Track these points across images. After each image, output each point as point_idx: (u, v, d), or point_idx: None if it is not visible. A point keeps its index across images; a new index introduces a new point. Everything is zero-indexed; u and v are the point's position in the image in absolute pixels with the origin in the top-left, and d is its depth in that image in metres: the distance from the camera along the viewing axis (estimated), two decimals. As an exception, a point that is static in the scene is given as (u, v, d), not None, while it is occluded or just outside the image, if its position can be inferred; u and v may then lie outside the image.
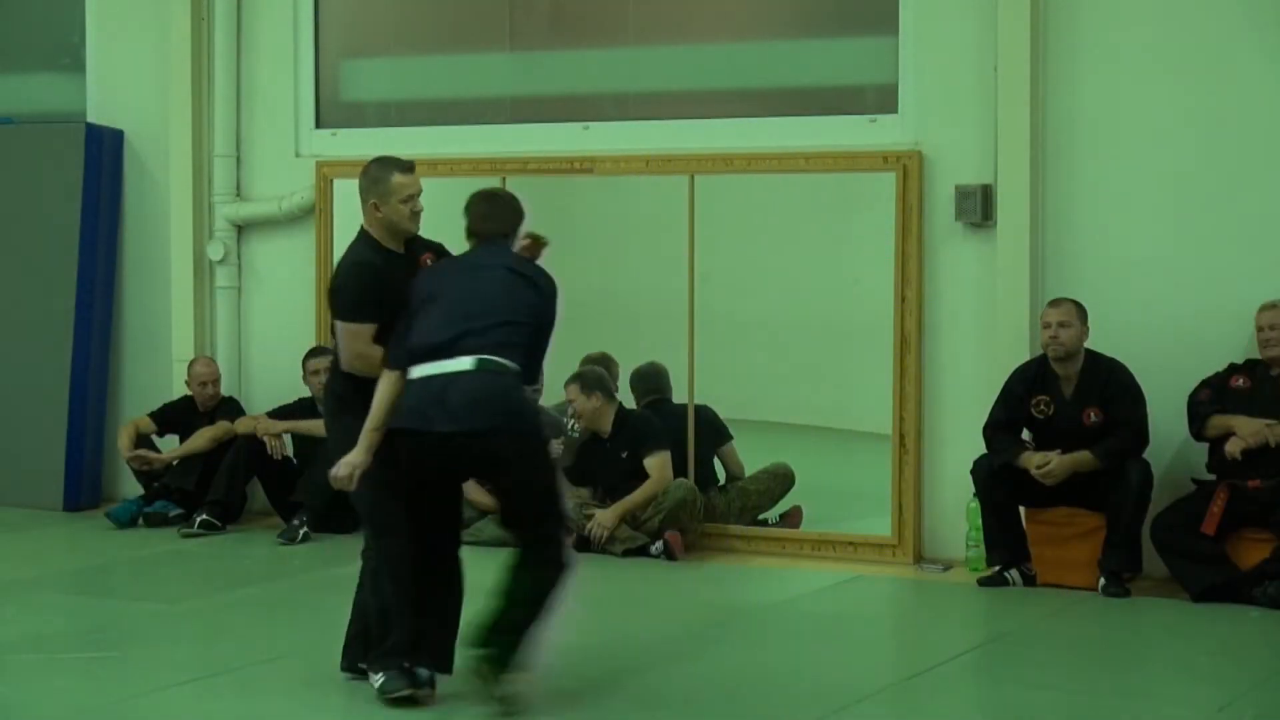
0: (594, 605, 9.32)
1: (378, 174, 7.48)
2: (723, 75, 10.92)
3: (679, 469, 10.58)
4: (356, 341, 7.25)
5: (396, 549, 7.02)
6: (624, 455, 10.56)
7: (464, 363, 6.78)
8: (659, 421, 10.70)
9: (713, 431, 10.90)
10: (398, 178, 7.40)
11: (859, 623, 9.05)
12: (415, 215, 7.42)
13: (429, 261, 7.45)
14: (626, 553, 10.26)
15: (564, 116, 11.17)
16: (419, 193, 7.47)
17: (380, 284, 7.31)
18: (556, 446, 6.96)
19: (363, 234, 7.53)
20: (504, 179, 11.10)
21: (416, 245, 7.56)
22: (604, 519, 10.30)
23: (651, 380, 11.04)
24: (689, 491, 10.36)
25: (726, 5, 11.05)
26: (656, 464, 10.47)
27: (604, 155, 10.95)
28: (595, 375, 10.68)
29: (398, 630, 7.01)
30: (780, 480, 10.83)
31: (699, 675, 7.59)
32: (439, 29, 11.68)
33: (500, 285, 7.01)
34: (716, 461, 10.95)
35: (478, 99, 11.51)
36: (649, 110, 11.03)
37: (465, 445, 6.77)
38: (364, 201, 7.48)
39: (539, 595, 6.87)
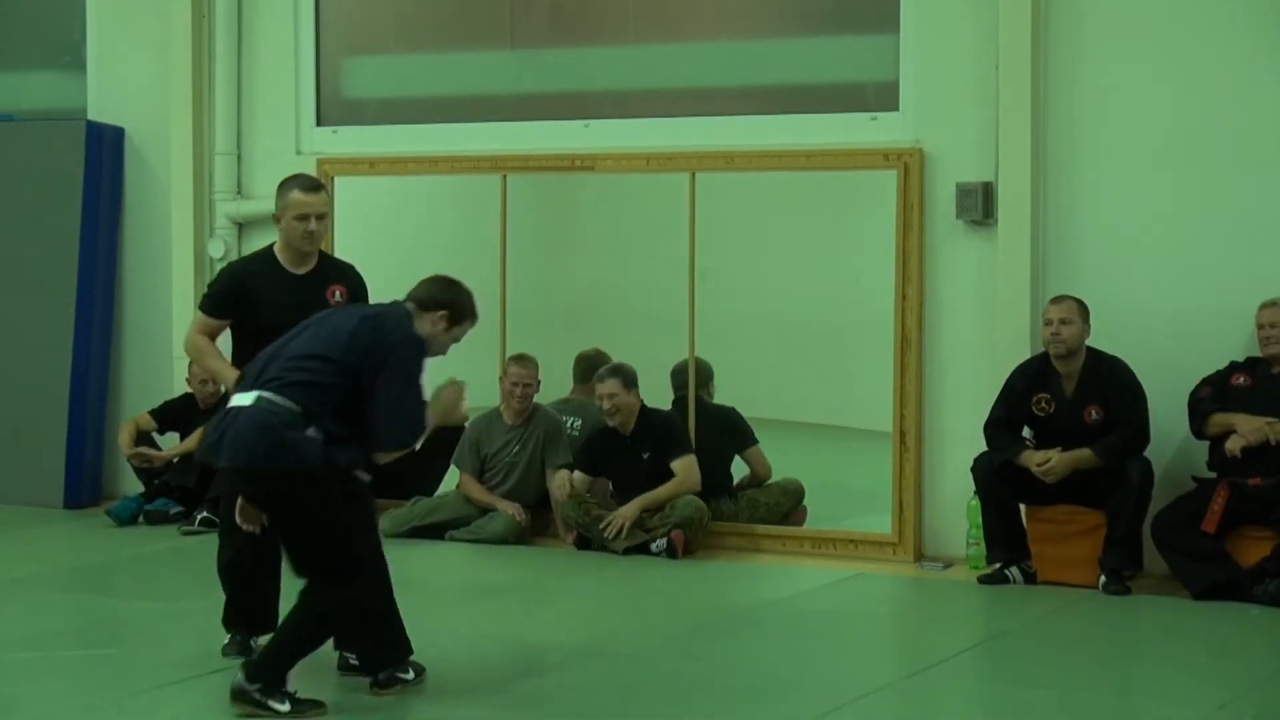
0: (595, 601, 9.35)
1: (282, 188, 7.70)
2: (723, 73, 10.92)
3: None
4: (192, 327, 7.82)
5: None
6: (645, 456, 10.49)
7: (247, 398, 6.73)
8: (682, 422, 10.63)
9: (736, 435, 10.85)
10: (296, 194, 7.59)
11: (860, 620, 9.04)
12: (309, 235, 7.54)
13: (337, 295, 7.59)
14: (628, 550, 10.25)
15: (565, 114, 11.17)
16: (316, 214, 7.56)
17: (237, 288, 7.66)
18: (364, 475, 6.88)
19: (272, 244, 7.80)
20: (504, 176, 11.11)
21: (330, 272, 7.69)
22: (626, 512, 10.25)
23: (693, 375, 10.93)
24: (697, 510, 10.30)
25: (727, 3, 11.05)
26: (684, 465, 10.41)
27: (604, 153, 10.94)
28: (631, 371, 10.59)
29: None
30: (790, 495, 10.78)
31: (699, 672, 7.58)
32: (440, 26, 11.68)
33: (333, 324, 6.84)
34: (734, 464, 10.91)
35: (478, 96, 11.51)
36: (650, 108, 11.02)
37: (242, 478, 6.84)
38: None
39: (300, 628, 6.79)
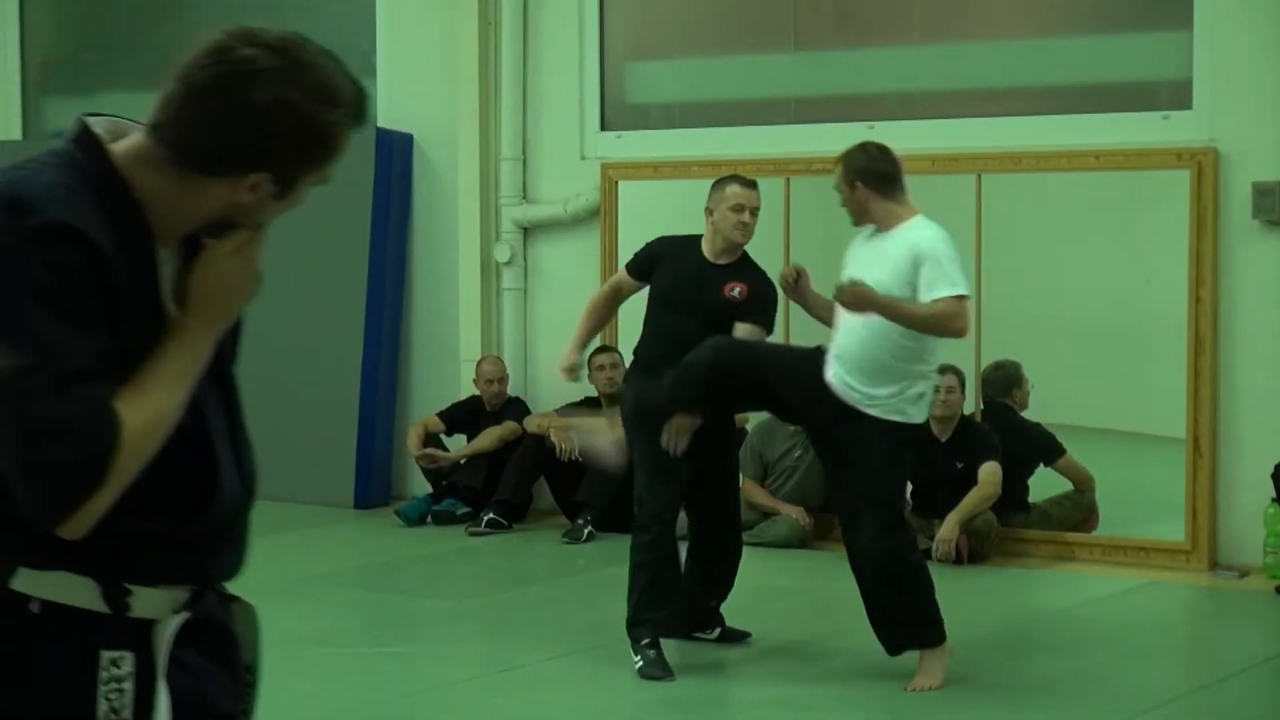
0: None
1: (719, 183, 8.05)
2: (1009, 73, 10.78)
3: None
4: (607, 281, 8.83)
5: None
6: (960, 466, 10.33)
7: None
8: (997, 437, 10.44)
9: (1041, 448, 10.65)
10: (734, 187, 8.13)
11: (1151, 630, 8.86)
12: (741, 226, 7.88)
13: (735, 291, 7.92)
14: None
15: (848, 116, 11.10)
16: (751, 208, 7.89)
17: (656, 254, 8.20)
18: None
19: (701, 234, 8.17)
20: (788, 180, 11.08)
21: (743, 271, 8.04)
22: (947, 534, 10.09)
23: (998, 383, 10.79)
24: (986, 523, 10.16)
25: (1013, 2, 10.91)
26: (990, 471, 10.24)
27: (889, 155, 10.84)
28: (962, 373, 10.48)
29: None
30: (1083, 509, 10.59)
31: (990, 680, 7.50)
32: (723, 30, 11.69)
33: None
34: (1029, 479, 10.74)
35: (762, 100, 11.50)
36: (935, 109, 10.92)
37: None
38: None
39: None
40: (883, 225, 7.40)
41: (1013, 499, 10.43)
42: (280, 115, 2.70)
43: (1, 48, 14.11)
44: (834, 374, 7.23)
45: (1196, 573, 9.90)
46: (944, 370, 10.34)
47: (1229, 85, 9.98)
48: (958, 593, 9.48)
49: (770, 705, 7.23)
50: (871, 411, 7.13)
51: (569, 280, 11.94)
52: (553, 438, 11.19)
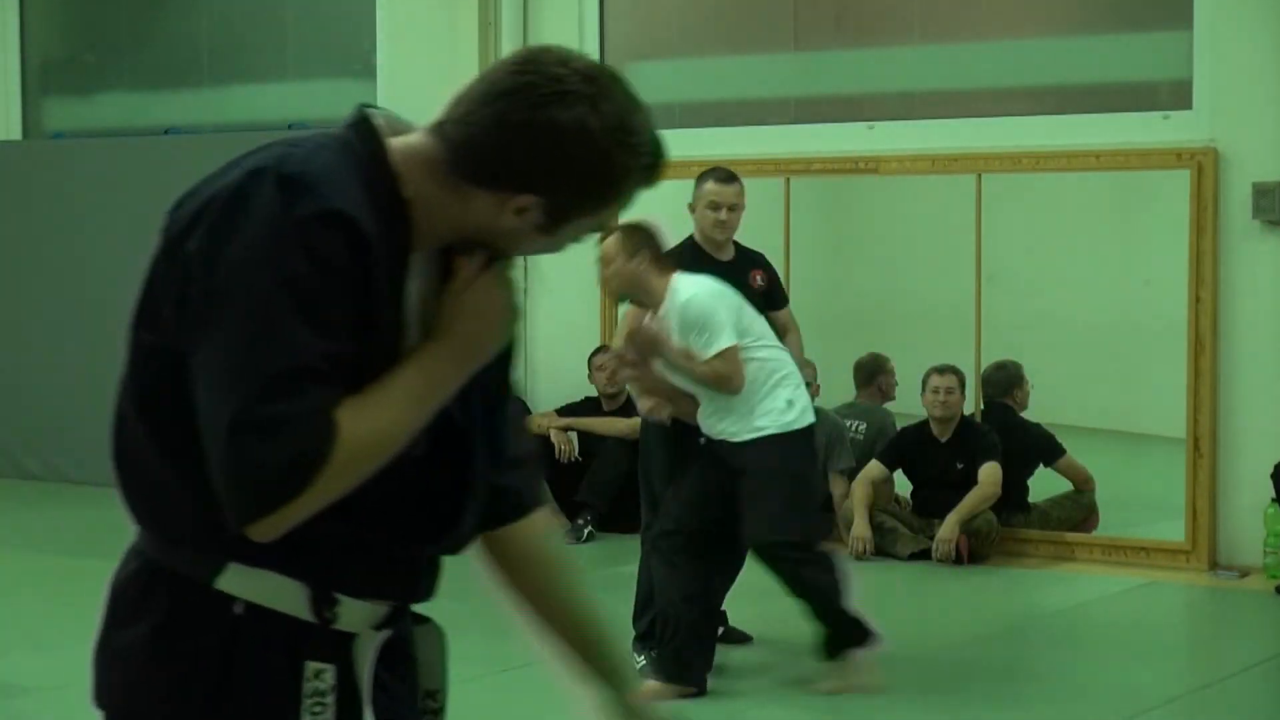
0: (883, 606, 9.27)
1: (699, 179, 8.03)
2: (1010, 72, 10.78)
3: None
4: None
5: None
6: (960, 466, 10.32)
7: None
8: (997, 437, 10.43)
9: (1043, 448, 10.66)
10: (710, 185, 8.12)
11: (1151, 630, 8.87)
12: (719, 224, 7.82)
13: (758, 280, 7.84)
14: (912, 556, 10.16)
15: (848, 117, 11.11)
16: (728, 205, 7.83)
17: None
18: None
19: (690, 235, 8.10)
20: (787, 180, 11.09)
21: (752, 258, 7.96)
22: (947, 534, 10.09)
23: (998, 384, 10.80)
24: (986, 522, 10.16)
25: (1014, 2, 10.91)
26: (990, 471, 10.24)
27: (889, 155, 10.86)
28: (962, 373, 10.47)
29: None
30: (1083, 509, 10.60)
31: (989, 679, 7.50)
32: (723, 30, 11.70)
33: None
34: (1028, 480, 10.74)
35: (762, 100, 11.50)
36: (935, 109, 10.92)
37: None
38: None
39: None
40: (658, 300, 7.28)
41: (1013, 499, 10.43)
42: (573, 139, 2.51)
43: (1, 48, 14.12)
44: (711, 431, 7.20)
45: (1196, 573, 9.90)
46: (944, 370, 10.36)
47: (1229, 85, 9.98)
48: (958, 593, 9.51)
49: (770, 705, 7.23)
50: (757, 436, 7.10)
51: (569, 279, 11.93)
52: (553, 438, 11.19)
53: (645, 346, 7.11)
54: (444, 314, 2.58)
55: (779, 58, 11.42)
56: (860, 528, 10.18)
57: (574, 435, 11.35)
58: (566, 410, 11.43)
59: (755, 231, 8.25)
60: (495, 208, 2.55)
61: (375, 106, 2.67)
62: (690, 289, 7.19)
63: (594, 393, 11.35)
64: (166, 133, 13.10)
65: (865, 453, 10.74)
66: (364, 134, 2.59)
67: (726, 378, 7.05)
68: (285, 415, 2.36)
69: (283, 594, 2.55)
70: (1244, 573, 9.79)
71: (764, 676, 7.56)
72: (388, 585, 2.68)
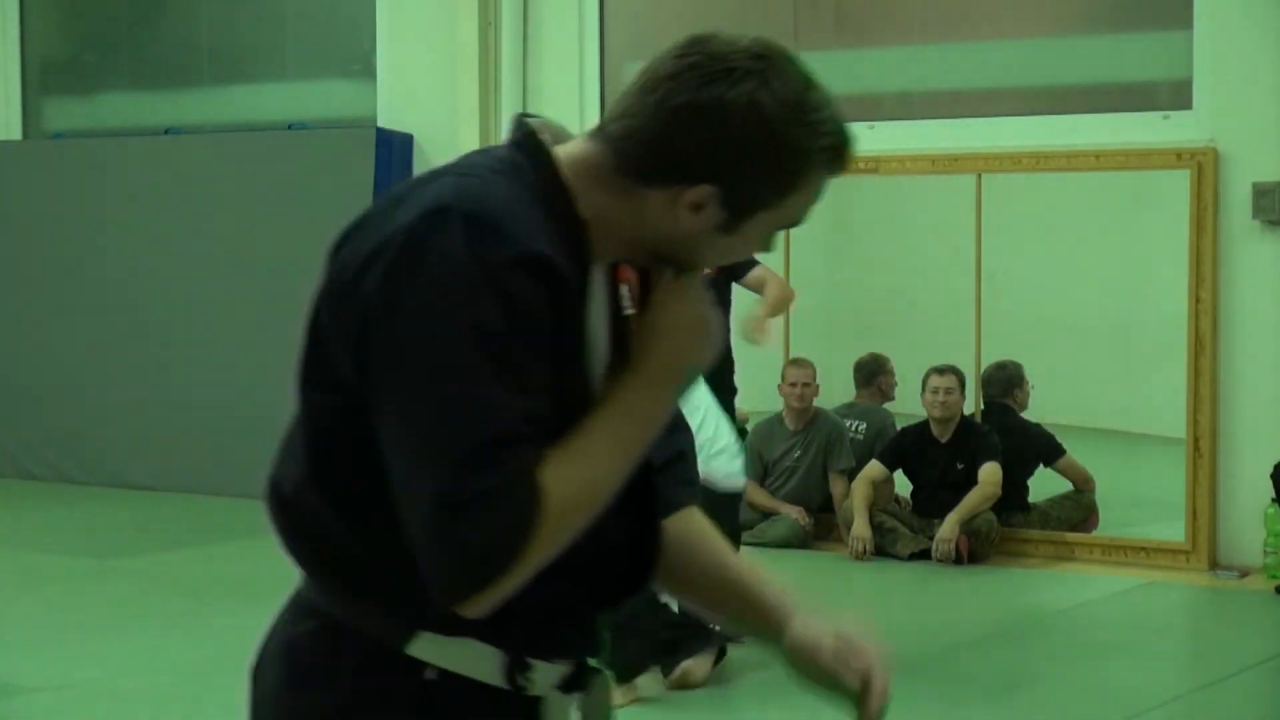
0: (883, 607, 9.28)
1: None
2: (1010, 72, 10.78)
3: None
4: None
5: None
6: (960, 466, 10.33)
7: None
8: (997, 437, 10.43)
9: (1043, 448, 10.66)
10: None
11: (1151, 630, 8.86)
12: None
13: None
14: (911, 556, 10.16)
15: (848, 116, 10.93)
16: None
17: None
18: None
19: None
20: (788, 179, 11.08)
21: None
22: (947, 534, 10.08)
23: (999, 384, 10.79)
24: (986, 522, 10.15)
25: (1014, 2, 10.90)
26: (991, 471, 10.24)
27: (889, 155, 10.85)
28: (963, 374, 10.46)
29: None
30: (1083, 509, 10.59)
31: (989, 680, 7.50)
32: (723, 29, 11.66)
33: None
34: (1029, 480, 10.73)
35: (761, 100, 11.48)
36: (935, 109, 10.91)
37: None
38: None
39: None
40: None
41: (1013, 499, 10.43)
42: (742, 117, 2.32)
43: (2, 48, 14.11)
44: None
45: (1196, 573, 9.89)
46: (944, 371, 10.36)
47: (1229, 85, 9.98)
48: (958, 593, 9.50)
49: (770, 705, 7.22)
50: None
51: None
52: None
53: None
54: (639, 341, 2.38)
55: (779, 57, 11.40)
56: (860, 528, 10.18)
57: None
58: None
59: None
60: (669, 207, 2.33)
61: (532, 115, 2.46)
62: None
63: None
64: (166, 133, 13.09)
65: (865, 453, 10.74)
66: (533, 153, 2.38)
67: None
68: (490, 489, 2.17)
69: (478, 660, 2.38)
70: (1244, 573, 9.78)
71: (764, 676, 7.55)
72: (576, 644, 2.50)
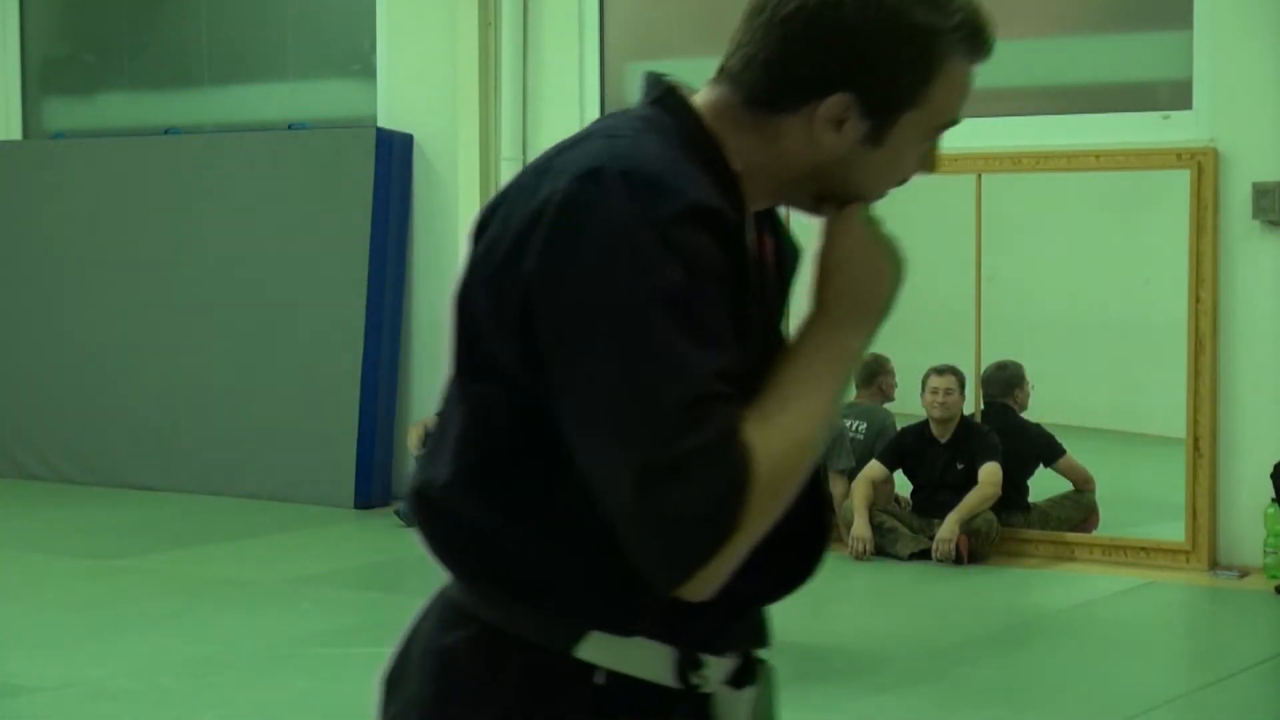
0: (882, 606, 9.29)
1: None
2: (1010, 72, 10.76)
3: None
4: None
5: None
6: (960, 467, 10.32)
7: None
8: (997, 437, 10.42)
9: (1043, 448, 10.66)
10: None
11: (1151, 629, 8.87)
12: None
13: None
14: (911, 556, 10.16)
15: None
16: None
17: None
18: None
19: None
20: (788, 179, 11.08)
21: None
22: (947, 534, 10.07)
23: (999, 384, 10.79)
24: (986, 522, 10.15)
25: (1013, 1, 10.90)
26: (991, 472, 10.24)
27: (889, 155, 10.83)
28: (963, 374, 10.46)
29: None
30: (1083, 510, 10.59)
31: (989, 680, 7.49)
32: (723, 30, 11.58)
33: None
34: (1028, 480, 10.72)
35: (762, 99, 11.49)
36: (935, 109, 10.89)
37: None
38: None
39: None
40: None
41: (1013, 499, 10.43)
42: (862, 10, 2.16)
43: (2, 48, 14.11)
44: None
45: (1196, 573, 9.89)
46: (943, 371, 10.36)
47: (1229, 85, 9.98)
48: (958, 593, 9.49)
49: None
50: None
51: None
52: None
53: None
54: (818, 283, 2.26)
55: (779, 58, 11.40)
56: (860, 528, 10.18)
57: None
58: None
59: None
60: (807, 131, 2.21)
61: (661, 74, 2.34)
62: None
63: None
64: (166, 133, 13.09)
65: (865, 453, 10.74)
66: (673, 106, 2.27)
67: None
68: (696, 449, 2.02)
69: (650, 660, 2.23)
70: (1244, 573, 9.78)
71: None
72: (746, 636, 2.36)
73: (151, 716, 7.10)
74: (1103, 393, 11.63)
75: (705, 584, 2.08)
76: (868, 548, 10.15)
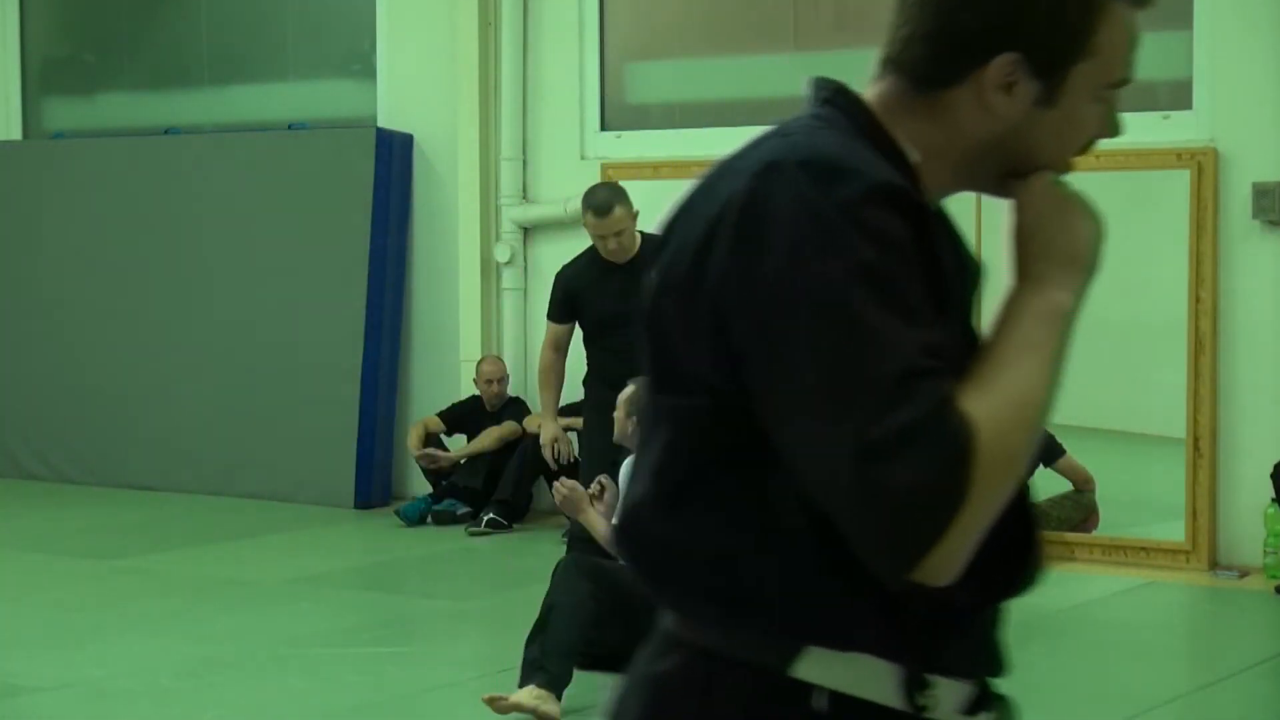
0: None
1: (582, 206, 8.88)
2: (1010, 72, 10.77)
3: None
4: (545, 339, 9.24)
5: None
6: None
7: None
8: None
9: (1042, 449, 10.64)
10: (589, 218, 8.49)
11: (1151, 629, 8.86)
12: (611, 253, 8.48)
13: None
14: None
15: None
16: (613, 234, 8.33)
17: (567, 293, 9.00)
18: None
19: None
20: (788, 179, 11.08)
21: (650, 255, 7.88)
22: None
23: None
24: None
25: (1014, 1, 10.90)
26: None
27: (889, 155, 10.84)
28: None
29: None
30: (1082, 509, 10.60)
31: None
32: (723, 30, 11.69)
33: None
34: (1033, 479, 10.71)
35: (762, 100, 11.47)
36: (935, 109, 10.90)
37: None
38: None
39: None
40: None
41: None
42: None
43: (2, 48, 14.11)
44: None
45: (1196, 573, 9.89)
46: None
47: (1229, 85, 9.98)
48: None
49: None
50: None
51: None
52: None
53: (571, 508, 6.73)
54: (1017, 247, 2.28)
55: (779, 58, 11.41)
56: None
57: (573, 435, 11.34)
58: (565, 412, 11.42)
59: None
60: (979, 101, 2.18)
61: (829, 80, 2.33)
62: None
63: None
64: (166, 133, 13.09)
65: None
66: (844, 105, 2.26)
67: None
68: (911, 423, 1.97)
69: (872, 678, 2.13)
70: (1244, 573, 9.78)
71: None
72: (975, 660, 2.27)
73: (151, 716, 7.10)
74: (1102, 392, 11.60)
75: (943, 566, 2.01)
76: None
